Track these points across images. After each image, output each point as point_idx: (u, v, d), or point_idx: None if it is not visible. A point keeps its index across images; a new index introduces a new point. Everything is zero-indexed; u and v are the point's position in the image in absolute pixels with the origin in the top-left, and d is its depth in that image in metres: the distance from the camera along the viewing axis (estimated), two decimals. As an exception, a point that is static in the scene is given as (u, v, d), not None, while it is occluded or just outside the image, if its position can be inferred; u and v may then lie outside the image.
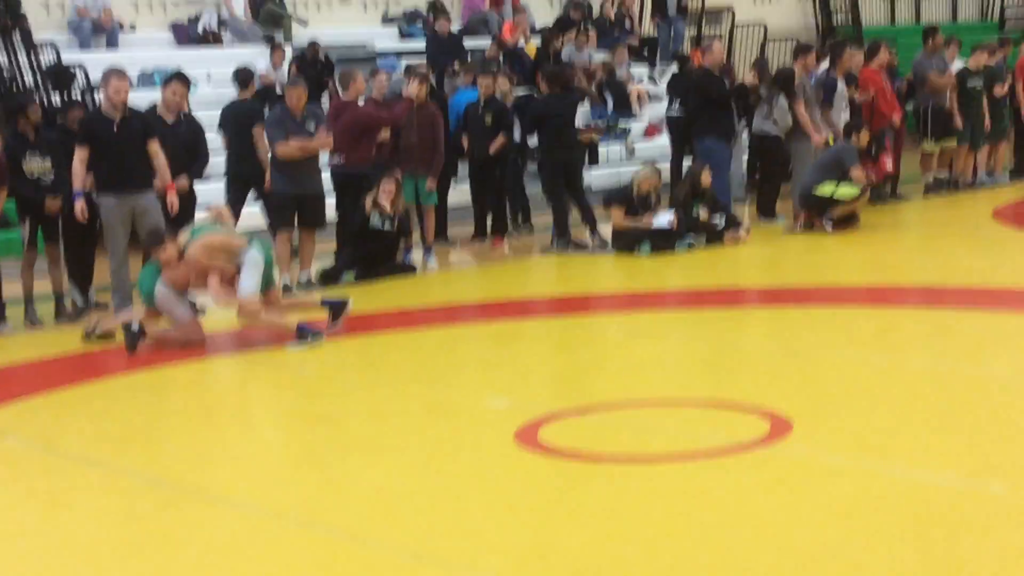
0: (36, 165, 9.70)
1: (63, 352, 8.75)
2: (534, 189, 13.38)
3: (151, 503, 5.41)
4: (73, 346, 8.89)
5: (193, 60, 16.00)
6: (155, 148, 9.47)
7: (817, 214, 12.55)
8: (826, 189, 12.41)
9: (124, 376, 8.08)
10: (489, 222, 13.07)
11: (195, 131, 10.26)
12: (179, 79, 10.42)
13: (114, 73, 9.52)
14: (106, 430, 6.71)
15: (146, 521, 5.18)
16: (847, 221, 12.58)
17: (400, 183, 11.10)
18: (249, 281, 8.31)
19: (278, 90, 14.76)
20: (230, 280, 8.41)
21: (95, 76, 14.40)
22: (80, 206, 9.36)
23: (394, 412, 6.86)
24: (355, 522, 4.98)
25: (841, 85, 13.63)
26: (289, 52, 16.44)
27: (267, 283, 8.57)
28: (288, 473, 5.85)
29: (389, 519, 5.00)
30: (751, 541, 4.52)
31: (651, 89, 18.64)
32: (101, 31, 16.38)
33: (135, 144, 9.40)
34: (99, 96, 11.46)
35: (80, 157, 9.34)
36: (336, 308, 8.67)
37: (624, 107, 17.70)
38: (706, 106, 13.05)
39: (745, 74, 16.01)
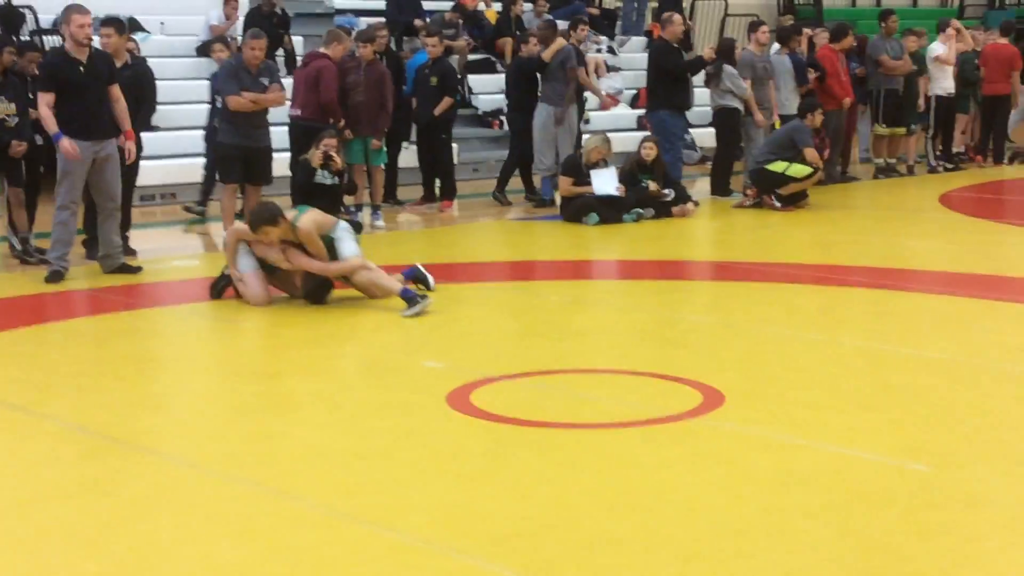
0: (1, 107, 9.47)
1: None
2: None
3: (73, 451, 5.34)
4: (6, 291, 8.77)
5: (146, 8, 15.76)
6: (116, 93, 9.07)
7: (767, 190, 12.60)
8: (778, 166, 12.46)
9: (57, 323, 7.98)
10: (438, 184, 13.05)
11: (141, 77, 10.01)
12: (111, 23, 9.80)
13: (75, 8, 8.94)
14: (32, 376, 6.61)
15: (67, 468, 5.11)
16: (796, 199, 12.65)
17: (342, 137, 11.07)
18: (350, 245, 8.23)
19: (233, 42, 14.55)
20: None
21: (45, 19, 14.21)
22: (65, 144, 8.73)
23: (328, 370, 6.82)
24: (279, 477, 4.93)
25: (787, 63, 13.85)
26: (245, 4, 16.23)
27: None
28: (216, 427, 5.79)
29: (314, 475, 4.97)
30: (675, 510, 4.52)
31: (609, 59, 18.59)
32: (52, -26, 16.11)
33: (101, 86, 8.94)
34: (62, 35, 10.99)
35: (46, 101, 8.79)
36: (417, 287, 8.38)
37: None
38: (662, 79, 13.07)
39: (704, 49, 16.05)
